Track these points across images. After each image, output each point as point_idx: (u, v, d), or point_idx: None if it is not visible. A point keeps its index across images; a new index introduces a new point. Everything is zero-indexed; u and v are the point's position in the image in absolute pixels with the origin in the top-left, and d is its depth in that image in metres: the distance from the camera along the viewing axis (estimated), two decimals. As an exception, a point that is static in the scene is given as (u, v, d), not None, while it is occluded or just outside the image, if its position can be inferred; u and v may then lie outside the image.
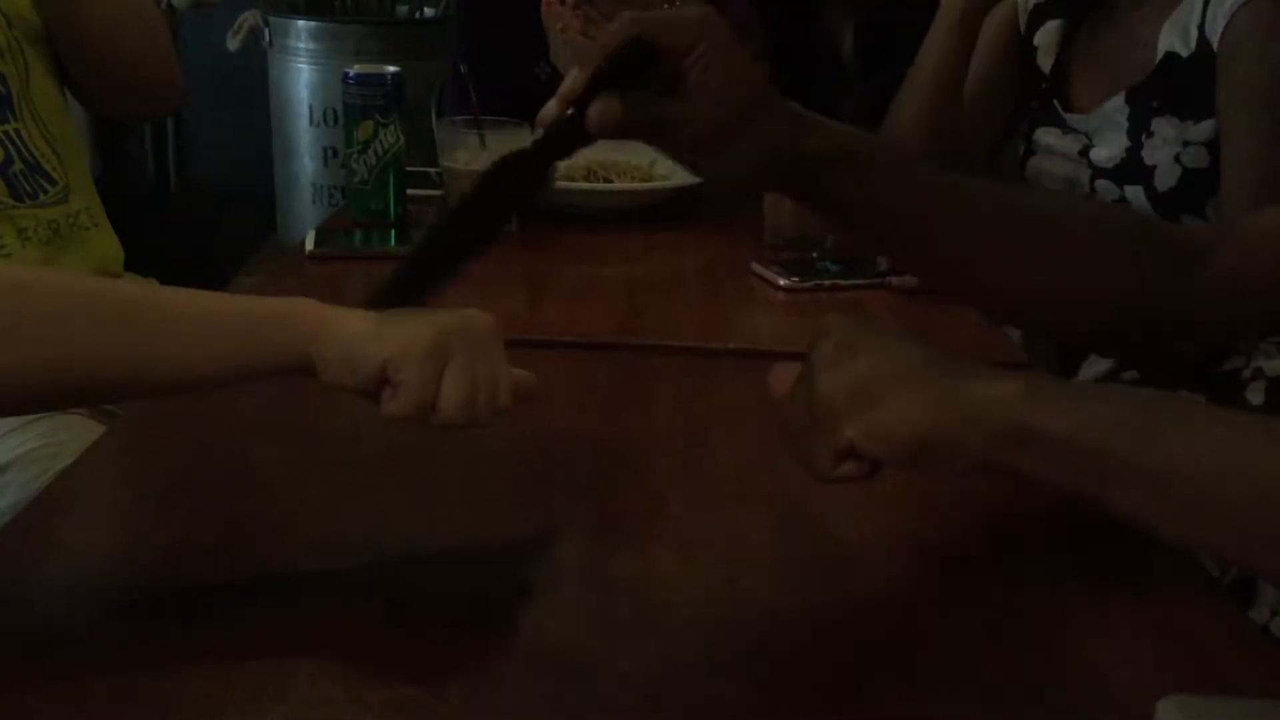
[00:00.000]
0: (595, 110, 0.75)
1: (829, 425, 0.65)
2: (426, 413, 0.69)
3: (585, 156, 1.69)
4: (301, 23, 2.84)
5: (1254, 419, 0.59)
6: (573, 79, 0.76)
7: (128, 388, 0.72)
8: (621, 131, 0.76)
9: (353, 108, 1.48)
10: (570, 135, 0.78)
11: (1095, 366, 1.44)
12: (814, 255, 1.43)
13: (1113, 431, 0.58)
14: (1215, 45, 1.27)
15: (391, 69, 1.49)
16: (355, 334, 0.70)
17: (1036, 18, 1.53)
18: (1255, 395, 1.39)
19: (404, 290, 0.75)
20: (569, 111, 0.77)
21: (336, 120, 2.12)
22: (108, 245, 1.40)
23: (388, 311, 0.73)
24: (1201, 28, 1.29)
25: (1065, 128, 1.44)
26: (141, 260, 1.49)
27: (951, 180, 0.85)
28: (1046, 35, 1.51)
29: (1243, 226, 0.92)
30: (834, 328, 0.69)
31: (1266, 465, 0.55)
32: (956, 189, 0.84)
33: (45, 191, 1.32)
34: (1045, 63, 1.50)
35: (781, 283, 1.35)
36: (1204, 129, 1.31)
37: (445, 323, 0.71)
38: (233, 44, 2.81)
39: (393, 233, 1.49)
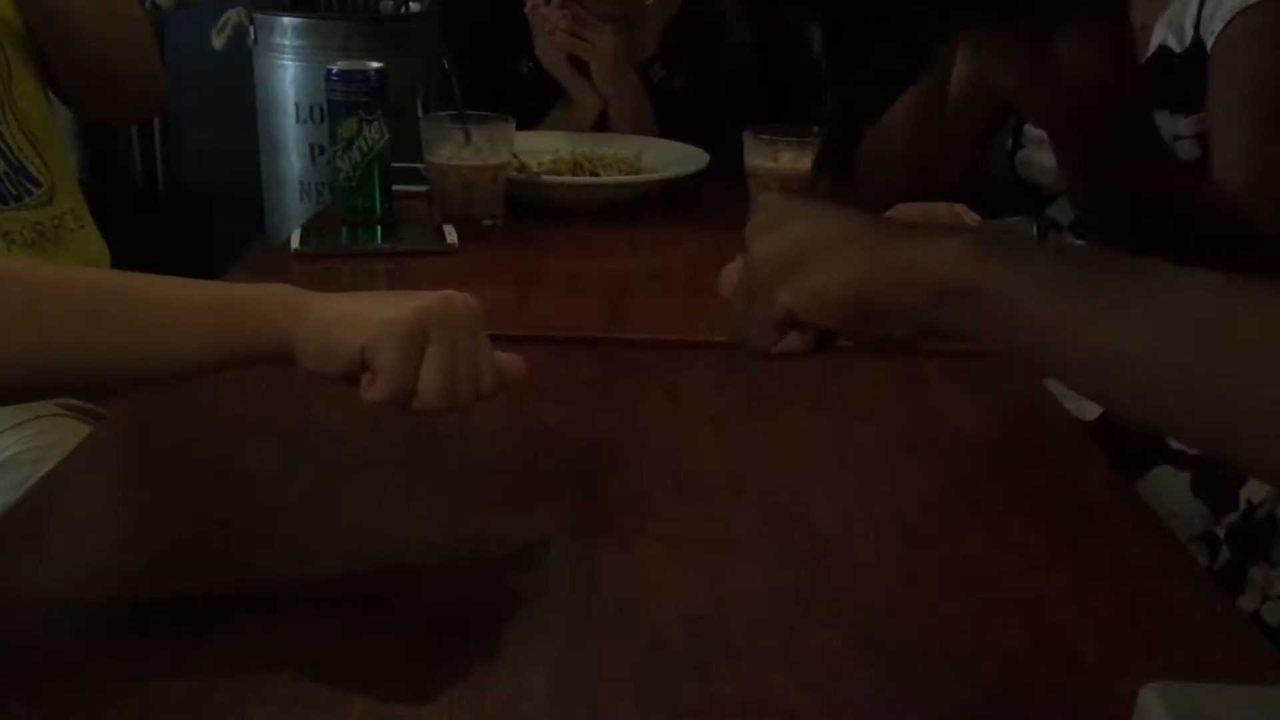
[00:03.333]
0: None
1: (764, 294, 0.63)
2: (406, 398, 0.68)
3: (571, 150, 1.69)
4: (287, 19, 2.83)
5: (1221, 279, 0.51)
6: None
7: (105, 375, 0.70)
8: None
9: (336, 105, 1.47)
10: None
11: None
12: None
13: (1061, 292, 0.54)
14: (1209, 45, 1.28)
15: (375, 65, 1.48)
16: (332, 319, 0.68)
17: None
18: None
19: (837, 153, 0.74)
20: None
21: (323, 117, 2.11)
22: (93, 246, 1.40)
23: (362, 295, 0.71)
24: (1197, 26, 1.29)
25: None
26: (130, 260, 1.48)
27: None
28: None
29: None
30: (768, 202, 0.67)
31: (1214, 333, 0.49)
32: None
33: (30, 194, 1.32)
34: (1030, 54, 1.50)
35: (768, 274, 1.34)
36: (1194, 122, 1.32)
37: (423, 305, 0.69)
38: (218, 42, 2.80)
39: (379, 230, 1.49)
